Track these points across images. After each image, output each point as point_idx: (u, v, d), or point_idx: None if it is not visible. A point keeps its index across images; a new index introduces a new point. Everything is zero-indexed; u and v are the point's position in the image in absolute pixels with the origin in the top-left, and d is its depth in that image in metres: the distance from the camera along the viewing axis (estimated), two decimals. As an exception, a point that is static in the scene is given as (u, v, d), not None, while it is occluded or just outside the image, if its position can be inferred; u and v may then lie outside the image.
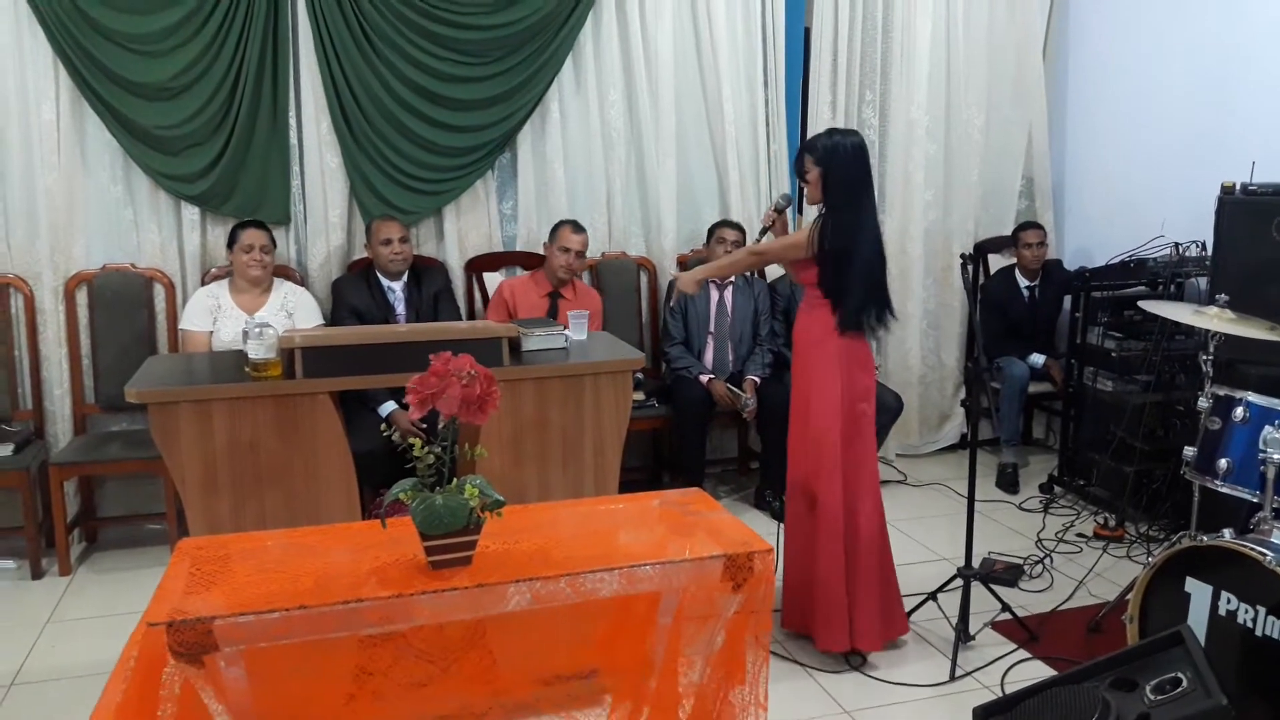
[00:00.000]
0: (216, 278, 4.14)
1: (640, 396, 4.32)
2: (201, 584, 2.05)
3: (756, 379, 4.47)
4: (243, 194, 4.21)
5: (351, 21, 4.19)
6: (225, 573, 2.11)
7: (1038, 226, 5.05)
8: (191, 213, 4.20)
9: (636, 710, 2.52)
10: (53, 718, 2.93)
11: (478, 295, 4.58)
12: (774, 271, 4.96)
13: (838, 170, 3.09)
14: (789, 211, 3.42)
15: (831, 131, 3.21)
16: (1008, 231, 5.27)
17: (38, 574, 3.85)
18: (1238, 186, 3.88)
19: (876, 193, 5.11)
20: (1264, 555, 2.55)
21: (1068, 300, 4.96)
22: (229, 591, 2.01)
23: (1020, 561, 3.89)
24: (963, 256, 3.48)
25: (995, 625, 3.38)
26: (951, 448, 5.43)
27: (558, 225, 4.37)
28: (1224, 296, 3.16)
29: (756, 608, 2.26)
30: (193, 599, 1.97)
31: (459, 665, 2.34)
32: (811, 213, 3.35)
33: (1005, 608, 3.37)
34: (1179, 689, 2.35)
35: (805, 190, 3.19)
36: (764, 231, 3.31)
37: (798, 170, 3.20)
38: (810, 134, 5.00)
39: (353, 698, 2.24)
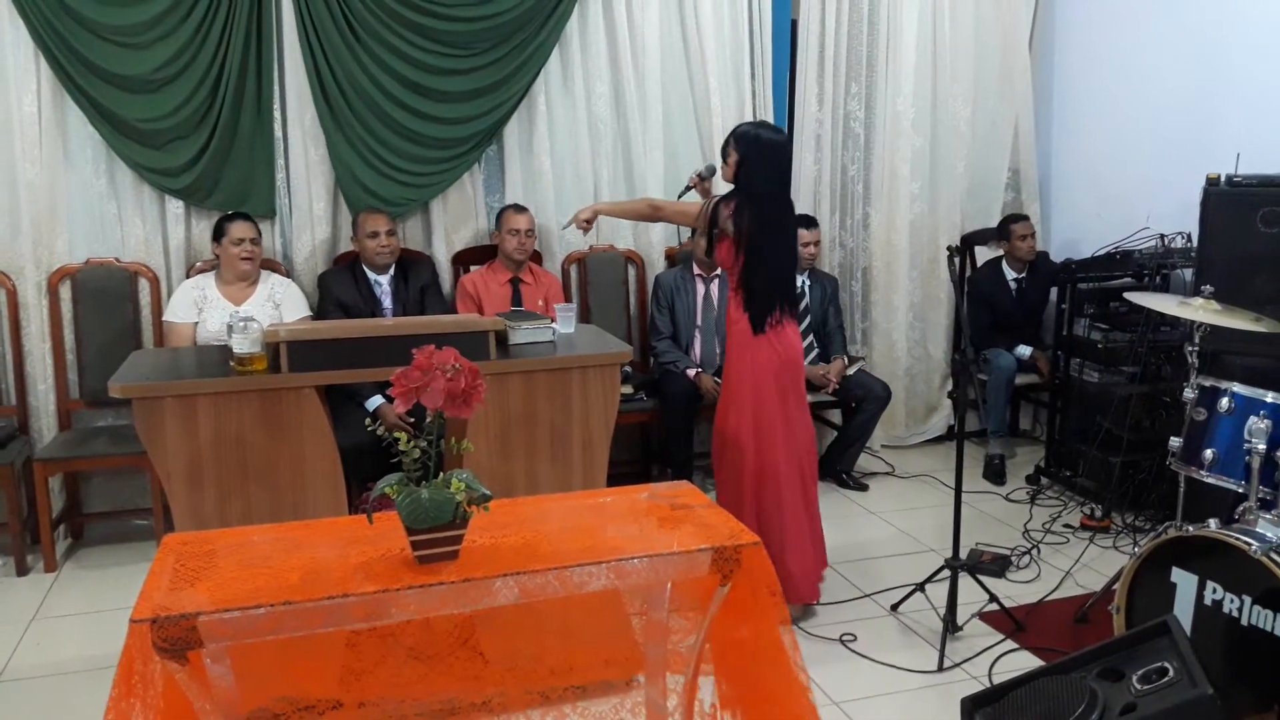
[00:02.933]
0: (201, 271, 4.11)
1: (629, 390, 4.32)
2: (186, 580, 2.03)
3: (744, 372, 4.47)
4: (227, 187, 4.18)
5: (336, 12, 4.16)
6: (210, 568, 2.09)
7: (1026, 218, 5.07)
8: (176, 206, 4.17)
9: (630, 707, 2.52)
10: (39, 715, 2.91)
11: (465, 288, 4.57)
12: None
13: (755, 161, 3.27)
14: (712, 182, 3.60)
15: (761, 124, 3.44)
16: (993, 223, 5.27)
17: (23, 571, 3.82)
18: (1223, 178, 3.89)
19: (862, 185, 5.20)
20: (1249, 545, 2.56)
21: (1054, 292, 4.98)
22: (214, 587, 1.99)
23: (1007, 552, 3.91)
24: (950, 249, 3.48)
25: (983, 616, 3.39)
26: (938, 439, 5.44)
27: (500, 212, 4.41)
28: (1209, 288, 3.17)
29: (754, 600, 2.25)
30: (177, 595, 1.95)
31: (448, 663, 2.33)
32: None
33: (993, 598, 3.38)
34: (1165, 679, 2.36)
35: (723, 171, 3.39)
36: (685, 190, 3.58)
37: (723, 150, 3.39)
38: (797, 126, 5.03)
39: (340, 696, 2.23)
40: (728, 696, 2.34)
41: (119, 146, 4.05)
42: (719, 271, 4.59)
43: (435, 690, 2.34)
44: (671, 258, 4.83)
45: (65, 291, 4.08)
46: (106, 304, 4.10)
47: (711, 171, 3.50)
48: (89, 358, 4.08)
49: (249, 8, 4.07)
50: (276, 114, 4.24)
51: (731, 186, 3.34)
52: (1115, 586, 2.95)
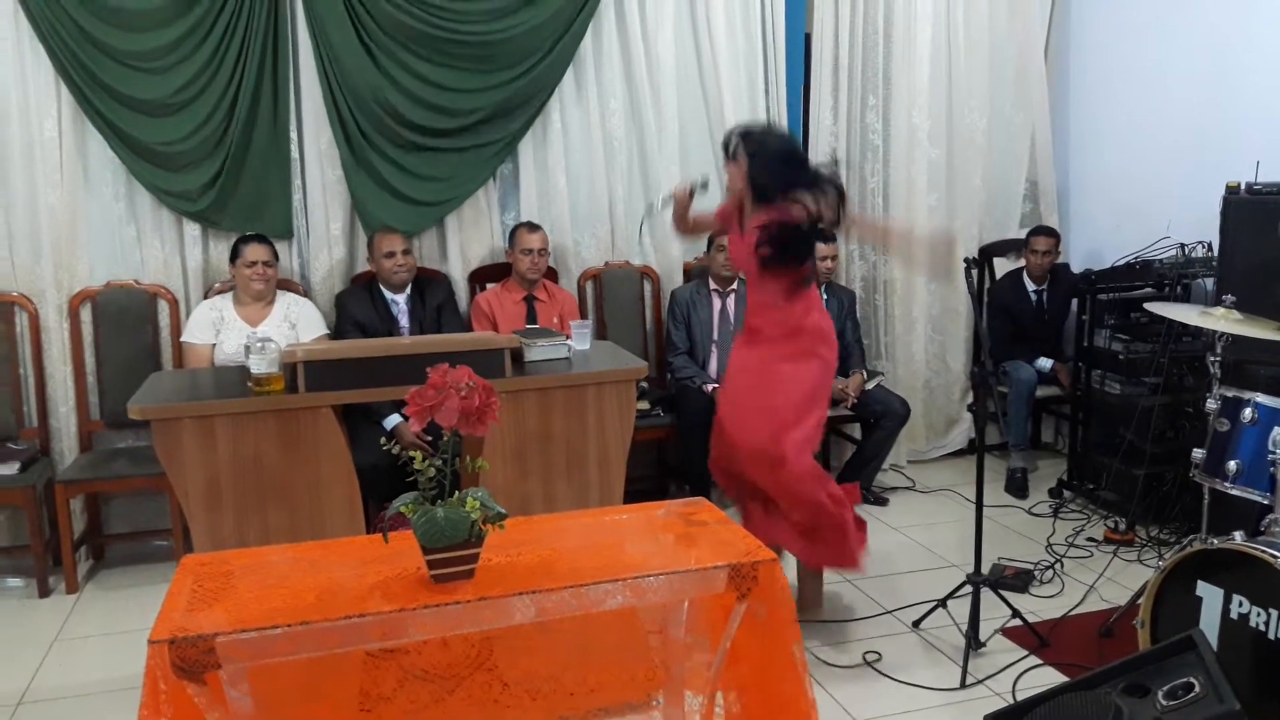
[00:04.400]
0: (219, 293, 4.14)
1: (645, 406, 4.31)
2: (204, 601, 2.04)
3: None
4: (244, 208, 4.21)
5: (350, 34, 4.19)
6: (228, 589, 2.10)
7: (1049, 233, 4.99)
8: (194, 228, 4.21)
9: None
10: (59, 736, 2.93)
11: (482, 306, 4.58)
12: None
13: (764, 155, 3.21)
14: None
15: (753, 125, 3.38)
16: (1012, 235, 5.24)
17: (44, 592, 3.84)
18: (1243, 186, 3.86)
19: (881, 198, 5.17)
20: (1275, 557, 2.53)
21: (1074, 303, 4.94)
22: (231, 608, 2.00)
23: (1030, 567, 3.87)
24: (967, 260, 3.46)
25: (1006, 631, 3.36)
26: (959, 453, 5.40)
27: (513, 230, 4.41)
28: (1231, 297, 3.14)
29: (767, 616, 2.24)
30: (195, 615, 1.96)
31: (465, 687, 2.32)
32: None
33: (1016, 614, 3.34)
34: (1191, 694, 2.33)
35: (730, 176, 3.29)
36: (666, 202, 3.40)
37: (730, 152, 3.26)
38: (811, 139, 5.01)
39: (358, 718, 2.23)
40: (741, 714, 2.32)
41: (137, 170, 4.08)
42: (734, 286, 4.57)
43: (454, 716, 2.32)
44: (688, 272, 4.83)
45: (86, 314, 4.12)
46: (126, 326, 4.13)
47: (705, 185, 3.38)
48: (109, 380, 4.10)
49: (264, 31, 4.10)
50: (293, 135, 4.27)
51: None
52: (1140, 601, 2.91)
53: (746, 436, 3.26)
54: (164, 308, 4.21)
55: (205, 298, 4.17)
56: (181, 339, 4.05)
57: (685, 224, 3.48)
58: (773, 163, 3.21)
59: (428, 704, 2.27)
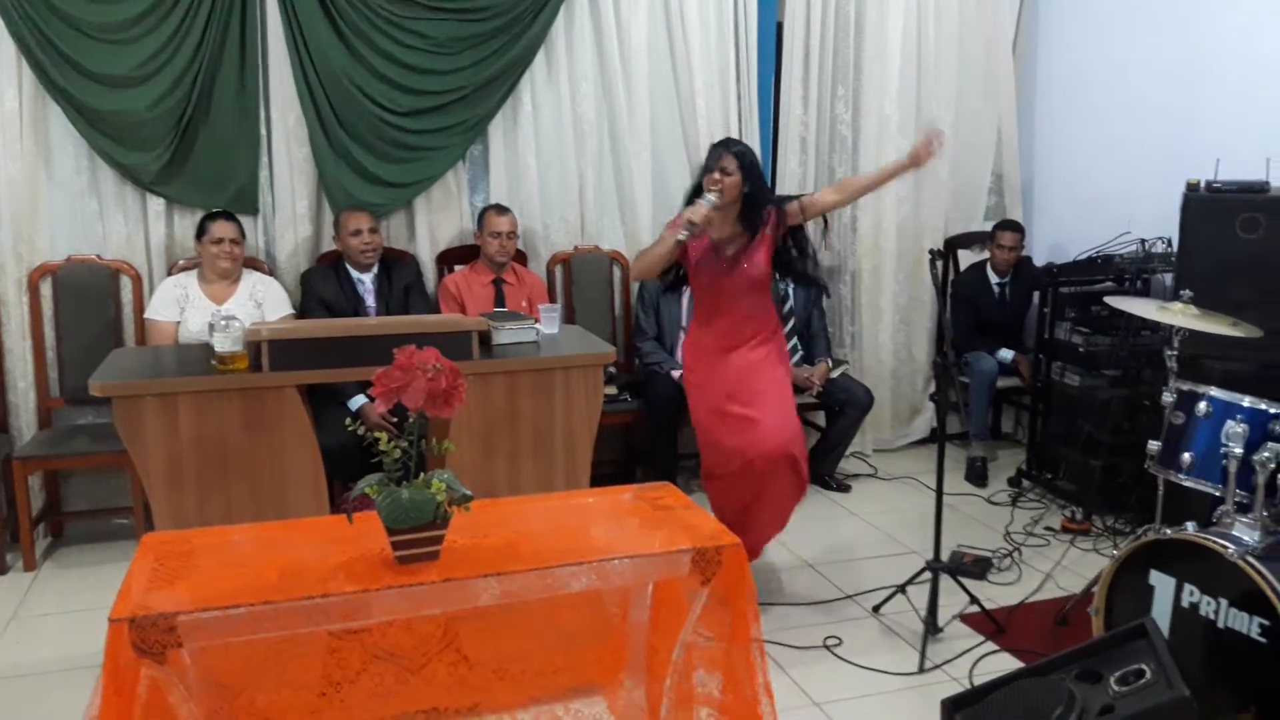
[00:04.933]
0: (184, 269, 4.09)
1: (612, 391, 4.32)
2: (165, 579, 2.02)
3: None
4: (209, 184, 4.16)
5: (317, 11, 4.14)
6: (189, 568, 2.09)
7: (1016, 229, 5.03)
8: (157, 204, 4.15)
9: (614, 708, 2.53)
10: (16, 715, 2.89)
11: (449, 288, 4.56)
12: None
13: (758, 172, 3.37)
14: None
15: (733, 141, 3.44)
16: (976, 227, 5.29)
17: (1, 569, 3.79)
18: (1203, 184, 3.91)
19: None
20: (1226, 548, 2.58)
21: (1036, 296, 5.00)
22: (193, 587, 1.99)
23: (989, 554, 3.92)
24: (931, 252, 3.50)
25: (964, 618, 3.41)
26: (922, 442, 5.45)
27: (482, 212, 4.39)
28: (1188, 292, 3.19)
29: (729, 600, 2.26)
30: (156, 594, 1.95)
31: (431, 668, 2.33)
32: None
33: (973, 600, 3.39)
34: (1142, 680, 2.38)
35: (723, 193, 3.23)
36: (691, 226, 3.20)
37: (719, 168, 3.23)
38: (781, 128, 5.02)
39: (321, 701, 2.22)
40: (702, 696, 2.35)
41: (98, 143, 4.01)
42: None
43: (418, 697, 2.32)
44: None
45: (46, 288, 4.06)
46: (88, 301, 4.07)
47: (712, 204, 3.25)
48: (70, 355, 4.05)
49: (232, 3, 4.04)
50: (261, 112, 4.22)
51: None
52: (1095, 589, 2.97)
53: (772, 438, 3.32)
54: (126, 284, 4.15)
55: (169, 274, 4.12)
56: (145, 316, 4.00)
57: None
58: (759, 173, 3.33)
59: (392, 685, 2.27)
